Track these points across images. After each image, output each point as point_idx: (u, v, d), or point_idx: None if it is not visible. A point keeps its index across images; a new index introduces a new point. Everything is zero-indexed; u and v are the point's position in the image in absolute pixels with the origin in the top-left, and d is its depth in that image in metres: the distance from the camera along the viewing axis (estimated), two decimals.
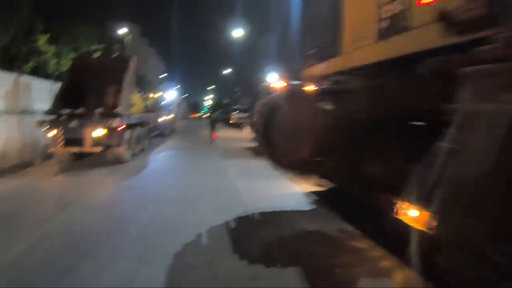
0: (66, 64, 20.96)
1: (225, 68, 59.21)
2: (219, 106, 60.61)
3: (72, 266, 3.62)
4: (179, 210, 5.78)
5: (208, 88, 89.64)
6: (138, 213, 5.57)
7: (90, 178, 8.33)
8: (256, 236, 4.63)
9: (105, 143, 9.56)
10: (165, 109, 22.06)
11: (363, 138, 3.78)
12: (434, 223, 2.20)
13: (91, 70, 10.69)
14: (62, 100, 9.89)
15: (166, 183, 7.86)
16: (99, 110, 9.46)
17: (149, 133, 15.10)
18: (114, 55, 12.12)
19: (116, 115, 9.55)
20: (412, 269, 2.92)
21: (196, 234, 4.60)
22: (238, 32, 36.40)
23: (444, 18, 2.84)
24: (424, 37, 3.29)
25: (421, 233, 2.64)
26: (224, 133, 22.09)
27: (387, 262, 3.77)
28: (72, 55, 22.65)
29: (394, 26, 3.80)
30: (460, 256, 2.17)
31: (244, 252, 4.07)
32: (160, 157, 12.42)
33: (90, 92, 10.00)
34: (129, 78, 10.81)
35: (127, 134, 10.45)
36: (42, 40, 19.97)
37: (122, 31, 31.04)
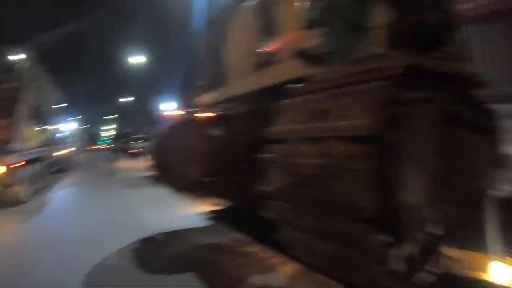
0: None
1: (127, 96, 57.41)
2: (121, 136, 58.26)
3: None
4: (84, 248, 5.53)
5: (105, 118, 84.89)
6: (43, 254, 5.26)
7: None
8: (160, 253, 5.08)
9: (1, 182, 8.72)
10: (65, 141, 20.57)
11: (246, 157, 4.23)
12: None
13: None
14: None
15: (71, 221, 7.44)
16: None
17: (49, 168, 14.01)
18: (5, 85, 11.01)
19: (9, 151, 8.76)
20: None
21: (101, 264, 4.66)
22: (139, 59, 35.73)
23: (301, 54, 3.53)
24: (288, 69, 3.97)
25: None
26: (125, 163, 21.61)
27: (275, 259, 4.35)
28: None
29: (265, 60, 4.60)
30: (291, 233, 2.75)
31: (148, 267, 4.49)
32: (63, 193, 11.66)
33: None
34: (23, 110, 10.03)
35: (24, 171, 9.61)
36: None
37: (17, 57, 28.58)
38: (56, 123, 26.60)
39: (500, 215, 3.20)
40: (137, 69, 41.77)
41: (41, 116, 24.91)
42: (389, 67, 2.39)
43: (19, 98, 10.15)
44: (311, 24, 3.38)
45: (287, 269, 4.12)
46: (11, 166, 8.75)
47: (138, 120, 48.85)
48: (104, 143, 58.68)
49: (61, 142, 19.33)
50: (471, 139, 3.45)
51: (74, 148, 19.38)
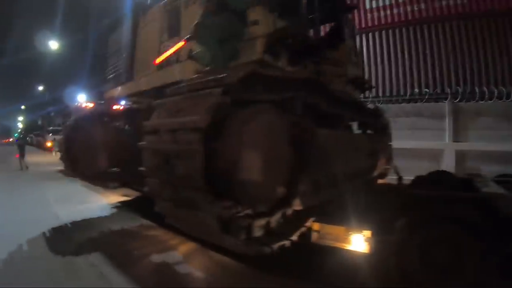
0: None
1: (38, 85, 52.29)
2: (31, 128, 53.98)
3: None
4: None
5: (22, 108, 76.91)
6: None
7: None
8: (70, 239, 5.35)
9: None
10: None
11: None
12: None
13: None
14: None
15: None
16: None
17: None
18: None
19: None
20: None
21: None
22: (53, 45, 32.19)
23: (190, 57, 4.29)
24: (178, 71, 4.77)
25: None
26: (38, 157, 20.80)
27: (174, 241, 5.09)
28: None
29: (166, 60, 4.97)
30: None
31: (59, 252, 4.72)
32: None
33: None
34: None
35: None
36: None
37: None
38: None
39: (363, 197, 4.19)
40: (50, 57, 38.01)
41: None
42: (224, 78, 3.13)
43: None
44: (195, 34, 3.94)
45: (184, 248, 4.84)
46: None
47: (51, 111, 46.03)
48: (18, 136, 53.96)
49: None
50: (346, 133, 4.88)
51: None
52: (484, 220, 3.09)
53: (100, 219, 6.50)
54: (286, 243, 3.74)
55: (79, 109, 7.20)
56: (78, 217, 6.57)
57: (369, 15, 13.31)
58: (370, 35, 13.38)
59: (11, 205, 7.90)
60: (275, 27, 4.05)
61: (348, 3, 7.17)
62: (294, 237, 3.88)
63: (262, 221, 3.64)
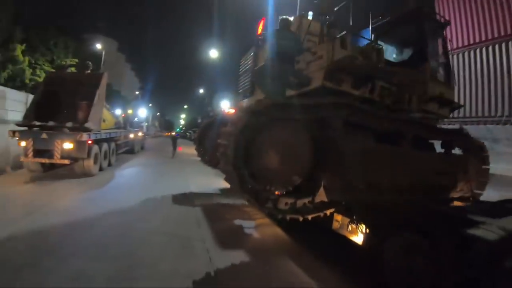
0: (41, 74, 21.25)
1: (199, 88, 59.83)
2: (192, 125, 61.29)
3: (31, 263, 4.14)
4: (135, 218, 6.41)
5: (185, 107, 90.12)
6: (97, 221, 6.07)
7: (56, 189, 8.70)
8: (191, 203, 8.09)
9: (73, 156, 10.01)
10: (136, 126, 22.36)
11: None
12: None
13: (64, 84, 11.07)
14: (35, 112, 10.30)
15: (128, 195, 8.33)
16: (69, 124, 9.89)
17: (118, 149, 15.50)
18: (87, 71, 12.47)
19: (85, 130, 10.01)
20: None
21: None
22: (213, 53, 37.07)
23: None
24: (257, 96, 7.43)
25: None
26: (190, 149, 23.54)
27: (257, 216, 7.05)
28: (47, 66, 22.98)
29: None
30: None
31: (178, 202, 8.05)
32: (126, 172, 12.89)
33: (62, 106, 10.43)
34: (100, 94, 11.24)
35: (95, 148, 10.92)
36: (18, 50, 20.23)
37: (98, 46, 31.42)
38: (130, 108, 28.97)
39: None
40: (211, 64, 43.41)
41: (119, 100, 27.22)
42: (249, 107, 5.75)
43: (98, 84, 11.33)
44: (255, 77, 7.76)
45: (260, 221, 6.84)
46: (82, 143, 9.95)
47: (210, 111, 51.57)
48: (180, 131, 62.03)
49: (132, 126, 21.10)
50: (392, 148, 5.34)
51: (143, 133, 20.94)
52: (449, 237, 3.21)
53: (216, 194, 9.35)
54: (300, 218, 5.13)
55: (220, 113, 11.20)
56: (203, 189, 9.89)
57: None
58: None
59: (162, 172, 12.81)
60: (333, 59, 5.25)
61: (439, 21, 7.46)
62: (309, 217, 5.19)
63: (288, 200, 5.27)
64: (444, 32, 7.19)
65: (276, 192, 5.23)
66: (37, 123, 9.99)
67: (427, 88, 6.31)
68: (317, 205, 5.25)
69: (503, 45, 11.57)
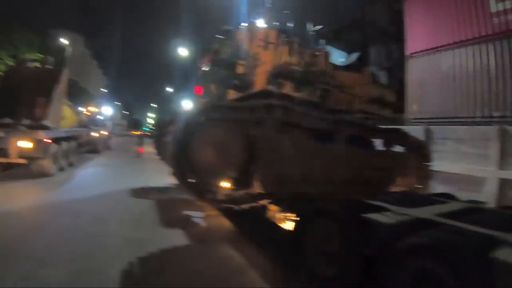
0: (4, 70, 20.39)
1: (168, 86, 59.01)
2: (161, 124, 60.23)
3: None
4: (89, 221, 6.21)
5: (152, 105, 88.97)
6: (50, 223, 5.89)
7: (11, 189, 8.40)
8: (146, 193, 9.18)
9: (30, 155, 9.58)
10: (100, 124, 21.74)
11: None
12: None
13: (22, 80, 10.63)
14: None
15: (84, 196, 8.14)
16: (26, 122, 9.50)
17: (79, 147, 15.04)
18: (47, 67, 11.95)
19: (42, 127, 9.65)
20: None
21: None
22: (182, 51, 36.62)
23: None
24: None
25: None
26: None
27: (207, 208, 7.40)
28: (10, 61, 22.06)
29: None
30: None
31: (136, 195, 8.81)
32: (87, 171, 12.57)
33: (20, 103, 9.98)
34: (59, 90, 10.87)
35: (54, 147, 10.49)
36: None
37: (64, 40, 30.42)
38: (95, 106, 28.10)
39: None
40: (179, 62, 42.89)
41: (84, 97, 26.53)
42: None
43: (59, 80, 10.95)
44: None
45: (209, 212, 7.41)
46: (39, 141, 9.53)
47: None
48: (147, 130, 60.79)
49: (96, 125, 20.55)
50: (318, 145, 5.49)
51: (108, 132, 20.37)
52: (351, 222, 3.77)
53: (169, 189, 9.67)
54: (236, 207, 5.83)
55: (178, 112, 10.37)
56: (157, 183, 10.54)
57: (495, 19, 11.35)
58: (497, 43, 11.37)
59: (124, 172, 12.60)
60: (274, 66, 6.06)
61: (383, 28, 8.22)
62: (245, 207, 5.76)
63: (226, 191, 5.69)
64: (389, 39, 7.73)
65: (218, 185, 5.62)
66: None
67: (366, 90, 6.89)
68: (252, 196, 5.56)
69: (474, 47, 11.94)
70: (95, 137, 19.14)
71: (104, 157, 18.39)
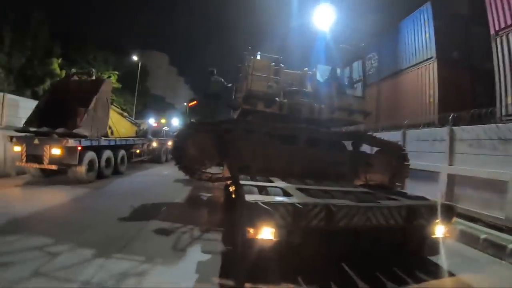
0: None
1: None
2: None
3: None
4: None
5: None
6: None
7: (45, 193, 8.88)
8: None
9: (61, 162, 9.91)
10: (166, 135, 22.20)
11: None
12: None
13: (66, 91, 11.19)
14: (34, 118, 10.45)
15: (116, 205, 8.10)
16: (59, 130, 9.81)
17: (135, 157, 15.51)
18: (92, 79, 12.37)
19: (74, 136, 9.91)
20: None
21: None
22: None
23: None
24: None
25: None
26: None
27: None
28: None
29: None
30: None
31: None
32: (130, 180, 12.73)
33: (60, 112, 10.44)
34: (98, 100, 11.16)
35: (90, 155, 10.78)
36: (55, 63, 21.37)
37: (135, 57, 32.28)
38: (164, 119, 29.43)
39: None
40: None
41: (166, 113, 28.26)
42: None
43: (99, 90, 11.29)
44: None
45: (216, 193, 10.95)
46: (71, 148, 9.87)
47: None
48: None
49: (161, 136, 21.17)
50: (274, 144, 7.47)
51: (158, 143, 20.20)
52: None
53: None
54: (212, 183, 8.58)
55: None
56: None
57: None
58: None
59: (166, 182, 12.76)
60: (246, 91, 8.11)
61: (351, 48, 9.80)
62: (218, 184, 8.60)
63: (208, 173, 7.92)
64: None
65: (202, 170, 7.80)
66: (32, 129, 10.04)
67: (334, 101, 8.42)
68: (224, 177, 8.14)
69: None
70: (156, 147, 19.63)
71: (162, 167, 18.60)
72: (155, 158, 19.72)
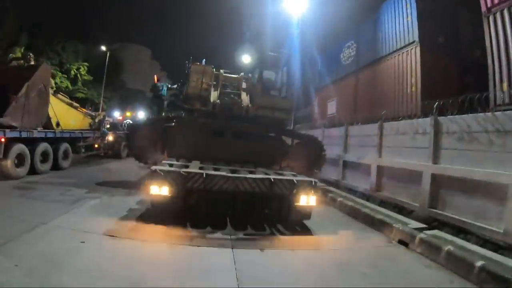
0: None
1: None
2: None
3: None
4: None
5: None
6: None
7: None
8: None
9: None
10: (105, 129, 20.11)
11: None
12: None
13: (2, 79, 10.28)
14: None
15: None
16: None
17: (79, 151, 14.72)
18: (29, 65, 11.48)
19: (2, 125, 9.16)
20: None
21: None
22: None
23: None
24: None
25: None
26: None
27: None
28: (55, 69, 23.14)
29: None
30: None
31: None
32: (68, 174, 11.93)
33: None
34: (31, 87, 10.31)
35: (19, 148, 9.94)
36: (18, 52, 20.41)
37: (103, 47, 31.11)
38: (131, 112, 28.56)
39: None
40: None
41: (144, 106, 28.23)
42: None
43: (32, 77, 10.43)
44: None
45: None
46: None
47: None
48: None
49: (116, 128, 20.34)
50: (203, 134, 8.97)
51: (114, 137, 19.13)
52: None
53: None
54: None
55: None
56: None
57: None
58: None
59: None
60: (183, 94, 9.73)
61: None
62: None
63: (152, 158, 8.87)
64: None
65: (148, 156, 9.00)
66: None
67: (258, 100, 9.52)
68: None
69: None
70: (115, 141, 18.79)
71: (119, 163, 17.64)
72: (114, 153, 18.94)
